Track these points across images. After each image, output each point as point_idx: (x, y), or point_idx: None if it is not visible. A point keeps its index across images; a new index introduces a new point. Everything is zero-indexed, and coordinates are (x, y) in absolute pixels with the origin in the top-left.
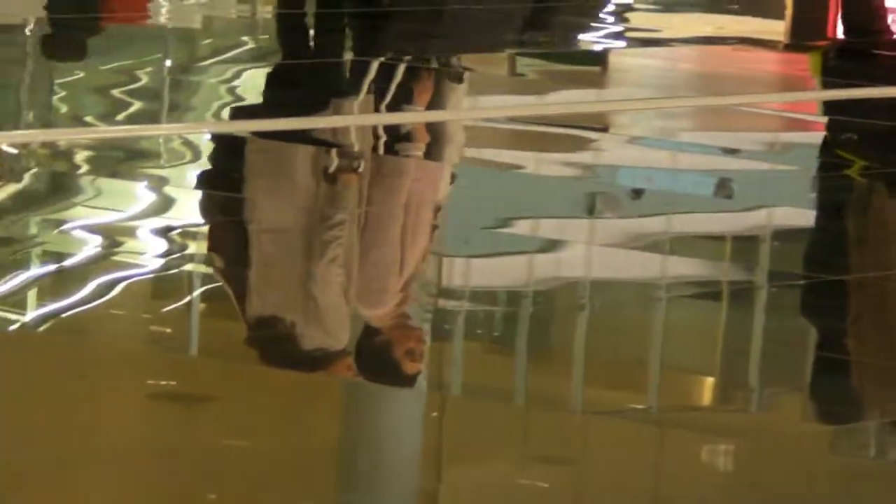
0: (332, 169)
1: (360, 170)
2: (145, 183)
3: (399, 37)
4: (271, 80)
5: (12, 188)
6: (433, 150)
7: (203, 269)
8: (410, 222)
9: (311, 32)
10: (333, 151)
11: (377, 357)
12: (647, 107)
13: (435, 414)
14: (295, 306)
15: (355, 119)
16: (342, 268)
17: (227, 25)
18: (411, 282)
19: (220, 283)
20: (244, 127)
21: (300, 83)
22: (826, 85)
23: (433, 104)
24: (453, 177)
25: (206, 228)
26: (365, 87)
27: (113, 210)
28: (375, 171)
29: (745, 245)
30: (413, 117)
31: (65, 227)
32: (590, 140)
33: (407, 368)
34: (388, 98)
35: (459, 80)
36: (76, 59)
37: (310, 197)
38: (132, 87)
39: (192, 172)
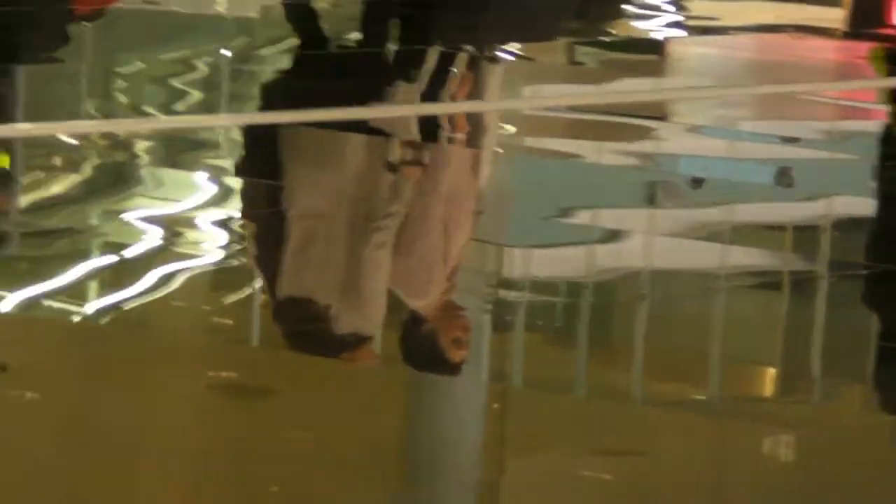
0: (395, 159)
1: (425, 163)
2: (206, 173)
3: (449, 27)
4: (299, 69)
5: (73, 179)
6: (474, 138)
7: None
8: (453, 211)
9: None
10: (396, 142)
11: (424, 346)
12: (707, 95)
13: (496, 405)
14: (335, 290)
15: (403, 109)
16: (389, 255)
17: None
18: (456, 271)
19: (255, 268)
20: (300, 117)
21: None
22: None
23: (474, 94)
24: (495, 164)
25: (266, 217)
26: (414, 78)
27: (174, 200)
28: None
29: (805, 234)
30: (469, 107)
31: (125, 217)
32: (649, 129)
33: (454, 357)
34: (431, 89)
35: (495, 60)
36: (61, 44)
37: (367, 185)
38: (191, 76)
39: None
